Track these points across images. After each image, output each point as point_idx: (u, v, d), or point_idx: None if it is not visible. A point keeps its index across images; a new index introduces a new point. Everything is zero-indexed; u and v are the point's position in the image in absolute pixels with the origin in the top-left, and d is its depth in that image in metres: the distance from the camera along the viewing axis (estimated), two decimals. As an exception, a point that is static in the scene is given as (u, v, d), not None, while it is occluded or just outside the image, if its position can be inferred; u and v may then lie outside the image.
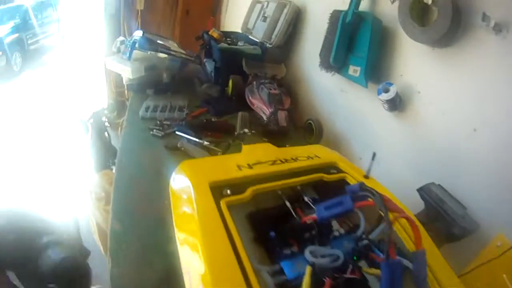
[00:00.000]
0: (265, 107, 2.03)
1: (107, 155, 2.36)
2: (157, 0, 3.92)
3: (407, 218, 0.69)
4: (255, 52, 2.39)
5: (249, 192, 0.87)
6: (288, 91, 2.26)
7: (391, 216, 0.67)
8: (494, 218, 1.25)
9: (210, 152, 1.69)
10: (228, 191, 0.86)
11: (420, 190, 1.36)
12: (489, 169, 1.28)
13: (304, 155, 1.15)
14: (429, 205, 1.30)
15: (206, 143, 1.74)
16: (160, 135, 1.79)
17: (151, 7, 3.89)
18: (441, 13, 1.30)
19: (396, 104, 1.65)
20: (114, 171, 1.95)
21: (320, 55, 2.07)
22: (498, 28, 1.17)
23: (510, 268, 1.18)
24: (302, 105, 2.46)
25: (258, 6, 2.86)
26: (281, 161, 1.07)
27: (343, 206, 0.73)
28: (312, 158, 1.14)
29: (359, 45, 1.79)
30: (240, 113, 2.00)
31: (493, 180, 1.27)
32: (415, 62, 1.58)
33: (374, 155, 1.06)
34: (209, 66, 2.56)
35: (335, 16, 1.87)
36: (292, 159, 1.11)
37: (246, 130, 1.76)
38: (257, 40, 2.61)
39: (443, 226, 1.24)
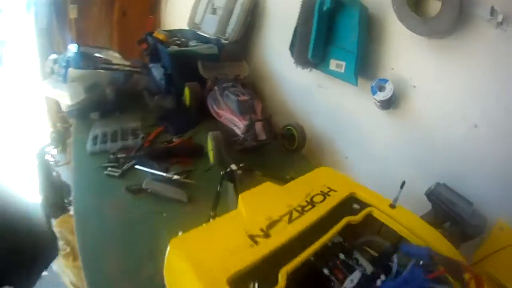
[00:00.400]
0: (236, 119, 1.71)
1: (60, 196, 2.10)
2: (91, 6, 3.48)
3: (476, 277, 0.65)
4: (211, 52, 2.08)
5: (282, 278, 0.67)
6: (254, 92, 1.99)
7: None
8: (494, 206, 1.26)
9: (184, 188, 1.43)
10: (257, 286, 0.66)
11: (430, 195, 1.29)
12: (491, 164, 1.27)
13: (317, 190, 0.99)
14: (438, 207, 1.26)
15: (175, 176, 1.47)
16: (117, 174, 1.50)
17: (85, 14, 3.42)
18: (447, 3, 1.19)
19: (391, 102, 1.47)
20: (72, 213, 1.70)
21: (291, 49, 1.81)
22: (503, 22, 1.13)
23: None
24: (271, 106, 2.19)
25: (206, -4, 2.48)
26: (297, 210, 0.89)
27: (415, 283, 0.65)
28: (328, 194, 0.98)
29: (341, 36, 1.56)
30: (211, 135, 1.62)
31: (495, 174, 1.26)
32: (408, 54, 1.44)
33: (403, 183, 0.97)
34: (157, 73, 2.19)
35: (308, 3, 1.59)
36: (308, 202, 0.93)
37: (233, 167, 1.34)
38: (210, 37, 2.26)
39: (456, 228, 1.22)
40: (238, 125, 1.69)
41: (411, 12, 1.27)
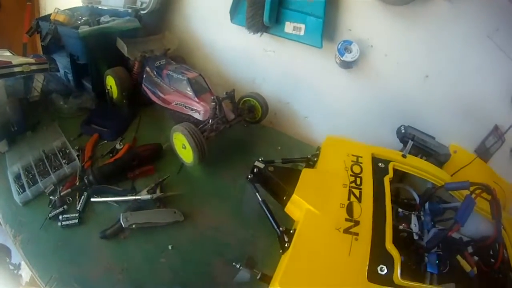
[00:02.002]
0: (193, 102, 1.45)
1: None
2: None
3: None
4: (132, 26, 1.68)
5: (393, 251, 0.79)
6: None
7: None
8: (445, 136, 1.49)
9: (169, 204, 1.21)
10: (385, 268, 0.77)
11: (404, 136, 1.45)
12: (440, 105, 1.53)
13: (348, 161, 1.06)
14: (407, 142, 1.45)
15: (148, 195, 1.19)
16: (75, 221, 1.13)
17: None
18: None
19: (354, 62, 1.50)
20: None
21: (232, 13, 1.63)
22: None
23: (480, 168, 1.47)
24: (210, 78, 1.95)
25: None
26: (353, 187, 0.95)
27: (470, 206, 0.85)
28: (359, 162, 1.06)
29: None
30: (182, 130, 1.29)
31: (444, 112, 1.53)
32: (365, 16, 1.49)
33: (413, 136, 1.32)
34: (63, 65, 1.71)
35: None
36: (353, 175, 1.00)
37: (259, 165, 1.10)
38: (123, 9, 1.81)
39: (431, 159, 1.40)
40: (197, 108, 1.44)
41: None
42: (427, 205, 1.04)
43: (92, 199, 1.18)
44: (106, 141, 1.51)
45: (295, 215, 0.92)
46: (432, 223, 0.98)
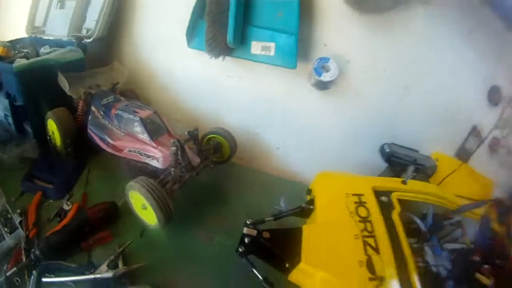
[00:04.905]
0: (151, 148, 1.24)
1: None
2: None
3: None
4: (74, 57, 1.50)
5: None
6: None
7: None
8: (427, 144, 1.50)
9: (137, 279, 1.02)
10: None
11: (385, 152, 1.45)
12: (420, 115, 1.49)
13: (351, 205, 0.95)
14: (395, 163, 1.45)
15: (117, 271, 1.00)
16: None
17: None
18: None
19: (332, 81, 1.41)
20: None
21: (187, 34, 1.48)
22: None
23: (462, 169, 1.46)
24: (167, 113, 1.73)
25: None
26: (366, 236, 0.86)
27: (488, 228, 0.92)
28: (363, 202, 0.97)
29: (263, 14, 1.33)
30: (139, 187, 1.08)
31: (424, 122, 1.50)
32: (341, 28, 1.41)
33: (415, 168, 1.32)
34: (3, 106, 1.50)
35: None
36: (361, 220, 0.91)
37: (249, 232, 0.89)
38: (63, 39, 1.62)
39: (420, 174, 1.42)
40: (154, 155, 1.23)
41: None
42: None
43: (43, 279, 1.00)
44: (51, 200, 1.27)
45: (305, 284, 0.79)
46: (440, 245, 0.93)
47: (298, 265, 0.78)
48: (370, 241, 0.83)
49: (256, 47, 1.35)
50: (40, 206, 1.26)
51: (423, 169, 1.42)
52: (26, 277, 1.01)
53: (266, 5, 1.33)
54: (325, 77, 1.30)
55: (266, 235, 0.88)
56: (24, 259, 1.06)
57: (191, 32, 1.46)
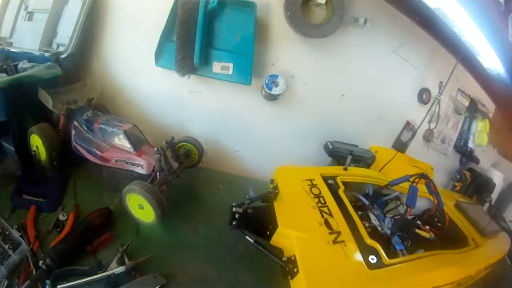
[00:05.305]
0: (136, 157, 1.42)
1: None
2: None
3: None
4: (54, 74, 1.54)
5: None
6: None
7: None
8: (365, 140, 1.84)
9: (143, 270, 1.16)
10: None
11: (333, 151, 1.74)
12: (357, 115, 1.82)
13: (306, 187, 1.25)
14: (338, 156, 1.75)
15: (127, 265, 1.13)
16: None
17: None
18: (335, 13, 1.57)
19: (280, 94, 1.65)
20: None
21: (156, 54, 1.61)
22: (365, 23, 1.64)
23: (401, 158, 1.75)
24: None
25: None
26: (322, 206, 1.17)
27: (415, 192, 1.16)
28: (314, 184, 1.27)
29: (223, 38, 1.53)
30: (140, 191, 1.25)
31: (361, 120, 1.83)
32: (287, 49, 1.66)
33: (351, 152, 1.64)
34: None
35: (188, 2, 1.44)
36: (316, 196, 1.22)
37: (236, 210, 1.16)
38: (39, 53, 1.64)
39: (361, 164, 1.74)
40: (139, 163, 1.42)
41: (305, 19, 1.53)
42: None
43: (58, 287, 1.04)
44: (45, 213, 1.33)
45: (284, 244, 1.05)
46: (383, 214, 1.28)
47: (277, 229, 1.04)
48: (325, 209, 1.12)
49: (217, 67, 1.55)
50: (36, 220, 1.29)
51: (363, 159, 1.73)
52: (39, 288, 1.06)
53: (226, 30, 1.52)
54: (275, 91, 1.56)
55: (250, 211, 1.17)
56: (34, 271, 1.10)
57: (159, 52, 1.59)
